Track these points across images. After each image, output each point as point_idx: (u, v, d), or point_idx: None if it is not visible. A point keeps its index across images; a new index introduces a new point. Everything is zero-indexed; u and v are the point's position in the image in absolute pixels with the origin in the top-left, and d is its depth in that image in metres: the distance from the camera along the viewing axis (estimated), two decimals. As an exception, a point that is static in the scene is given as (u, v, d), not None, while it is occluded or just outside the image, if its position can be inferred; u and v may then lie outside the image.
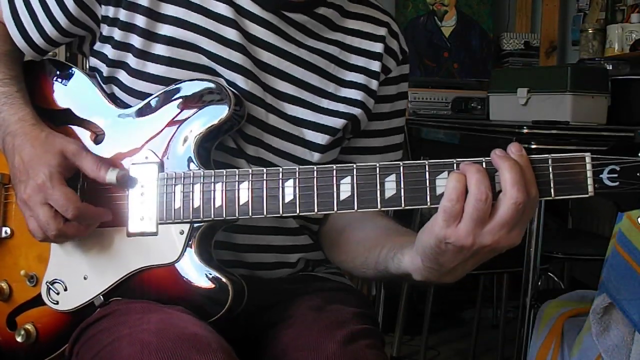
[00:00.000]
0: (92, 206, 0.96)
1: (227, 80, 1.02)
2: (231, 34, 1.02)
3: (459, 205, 0.78)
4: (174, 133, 0.97)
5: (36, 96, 1.07)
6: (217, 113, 0.96)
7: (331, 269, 1.20)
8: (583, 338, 1.32)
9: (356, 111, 1.09)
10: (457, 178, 0.79)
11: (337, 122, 1.08)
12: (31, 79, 1.09)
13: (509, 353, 2.31)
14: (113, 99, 1.05)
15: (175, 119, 0.98)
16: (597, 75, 2.01)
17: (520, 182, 0.77)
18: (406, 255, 0.88)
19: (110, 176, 0.95)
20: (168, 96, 1.00)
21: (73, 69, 1.08)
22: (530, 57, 3.34)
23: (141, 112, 1.01)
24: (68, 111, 1.06)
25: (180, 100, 0.99)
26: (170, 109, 0.99)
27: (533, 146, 1.57)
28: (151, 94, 1.01)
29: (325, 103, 1.08)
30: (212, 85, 0.98)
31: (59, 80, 1.08)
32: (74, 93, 1.07)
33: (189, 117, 0.97)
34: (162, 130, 0.98)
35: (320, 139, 1.07)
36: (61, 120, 1.05)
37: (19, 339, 1.02)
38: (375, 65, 1.11)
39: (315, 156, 1.07)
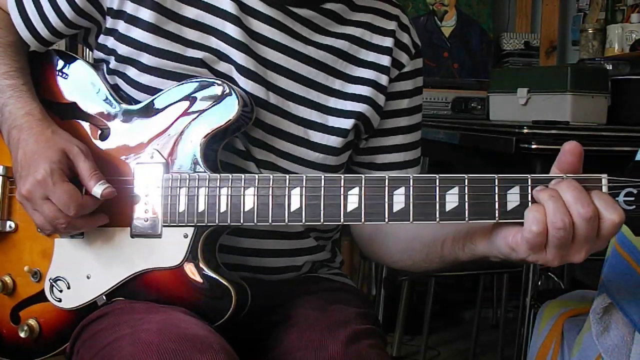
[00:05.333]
0: (92, 198, 0.96)
1: (226, 76, 1.01)
2: (234, 31, 1.01)
3: (542, 238, 0.76)
4: (181, 133, 0.97)
5: (42, 88, 1.06)
6: (225, 114, 0.95)
7: (333, 269, 1.20)
8: (583, 338, 1.31)
9: (364, 107, 1.07)
10: (536, 208, 0.77)
11: (346, 123, 1.06)
12: (37, 71, 1.08)
13: (509, 353, 2.31)
14: (116, 90, 1.04)
15: (182, 118, 0.98)
16: (597, 75, 2.00)
17: (583, 198, 0.76)
18: (479, 244, 0.86)
19: (96, 190, 0.94)
20: (175, 95, 0.99)
21: (79, 61, 1.08)
22: (530, 57, 3.33)
23: (148, 109, 1.01)
24: (74, 105, 1.05)
25: (188, 99, 0.98)
26: (178, 108, 0.98)
27: (533, 146, 1.57)
28: (157, 89, 1.01)
29: (332, 102, 1.06)
30: (220, 85, 0.97)
31: (65, 72, 1.08)
32: (81, 86, 1.06)
33: (196, 117, 0.97)
34: (168, 129, 0.98)
35: (332, 141, 1.06)
36: (67, 114, 1.04)
37: (22, 334, 1.03)
38: (385, 60, 1.09)
39: (329, 159, 1.06)
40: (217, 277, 0.94)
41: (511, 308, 2.75)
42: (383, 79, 1.09)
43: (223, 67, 1.02)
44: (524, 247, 0.78)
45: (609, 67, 2.07)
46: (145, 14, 1.01)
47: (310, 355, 0.92)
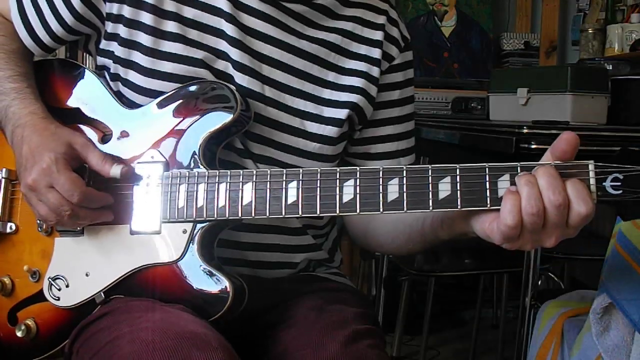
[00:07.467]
0: (96, 191, 0.97)
1: (223, 73, 1.03)
2: (229, 29, 1.03)
3: (516, 231, 0.78)
4: (181, 134, 0.99)
5: (45, 96, 1.07)
6: (224, 116, 0.97)
7: (332, 269, 1.20)
8: (583, 338, 1.31)
9: (357, 98, 1.09)
10: (511, 198, 0.78)
11: (340, 113, 1.08)
12: (41, 79, 1.10)
13: (509, 353, 2.31)
14: (119, 96, 1.06)
15: (183, 121, 0.99)
16: (597, 75, 2.00)
17: (555, 184, 0.77)
18: (458, 224, 0.88)
19: (115, 171, 0.96)
20: (176, 98, 1.01)
21: (83, 68, 1.10)
22: (530, 57, 3.34)
23: (149, 113, 1.02)
24: (77, 110, 1.07)
25: (188, 102, 1.00)
26: (178, 111, 1.00)
27: (533, 146, 1.56)
28: (158, 91, 1.02)
29: (327, 94, 1.08)
30: (220, 88, 0.99)
31: (69, 80, 1.09)
32: (84, 93, 1.08)
33: (196, 119, 0.98)
34: (169, 132, 1.00)
35: (328, 131, 1.07)
36: (70, 119, 1.05)
37: (19, 334, 1.03)
38: (376, 53, 1.12)
39: (325, 149, 1.08)
40: (214, 272, 0.95)
41: (511, 308, 2.74)
42: (374, 71, 1.11)
43: (221, 64, 1.03)
44: (499, 237, 0.80)
45: (609, 67, 2.07)
46: (145, 17, 1.02)
47: (310, 355, 0.92)
